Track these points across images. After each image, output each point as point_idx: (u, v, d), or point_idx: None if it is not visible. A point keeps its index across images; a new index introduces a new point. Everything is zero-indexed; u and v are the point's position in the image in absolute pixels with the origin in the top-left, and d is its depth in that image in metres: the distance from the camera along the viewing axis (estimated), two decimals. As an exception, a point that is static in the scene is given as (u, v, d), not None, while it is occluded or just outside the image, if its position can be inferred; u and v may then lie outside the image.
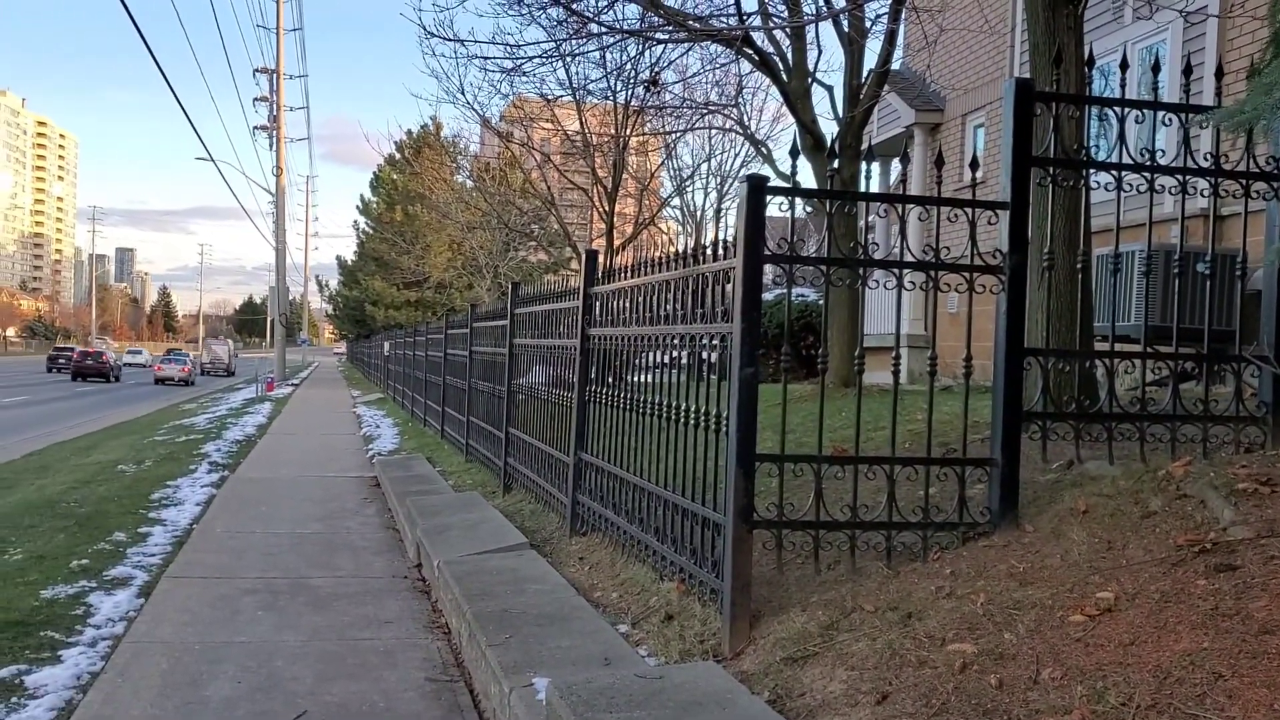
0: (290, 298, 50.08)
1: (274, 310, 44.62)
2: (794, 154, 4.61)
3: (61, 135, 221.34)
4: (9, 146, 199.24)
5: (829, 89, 12.28)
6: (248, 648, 5.66)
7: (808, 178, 13.63)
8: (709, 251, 4.83)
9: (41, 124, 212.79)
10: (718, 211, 25.18)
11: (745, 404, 4.33)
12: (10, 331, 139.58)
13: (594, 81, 14.00)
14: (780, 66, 11.57)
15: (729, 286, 4.59)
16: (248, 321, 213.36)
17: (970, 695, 3.34)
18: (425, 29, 11.09)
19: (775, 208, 4.56)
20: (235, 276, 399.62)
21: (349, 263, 62.43)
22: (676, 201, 24.34)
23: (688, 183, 23.44)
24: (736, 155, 23.95)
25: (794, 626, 4.25)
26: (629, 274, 6.18)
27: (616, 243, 16.44)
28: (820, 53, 11.71)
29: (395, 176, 48.69)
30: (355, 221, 59.91)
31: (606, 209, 15.30)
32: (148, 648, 5.59)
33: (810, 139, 11.50)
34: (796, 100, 11.36)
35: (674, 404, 5.35)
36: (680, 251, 5.23)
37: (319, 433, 19.61)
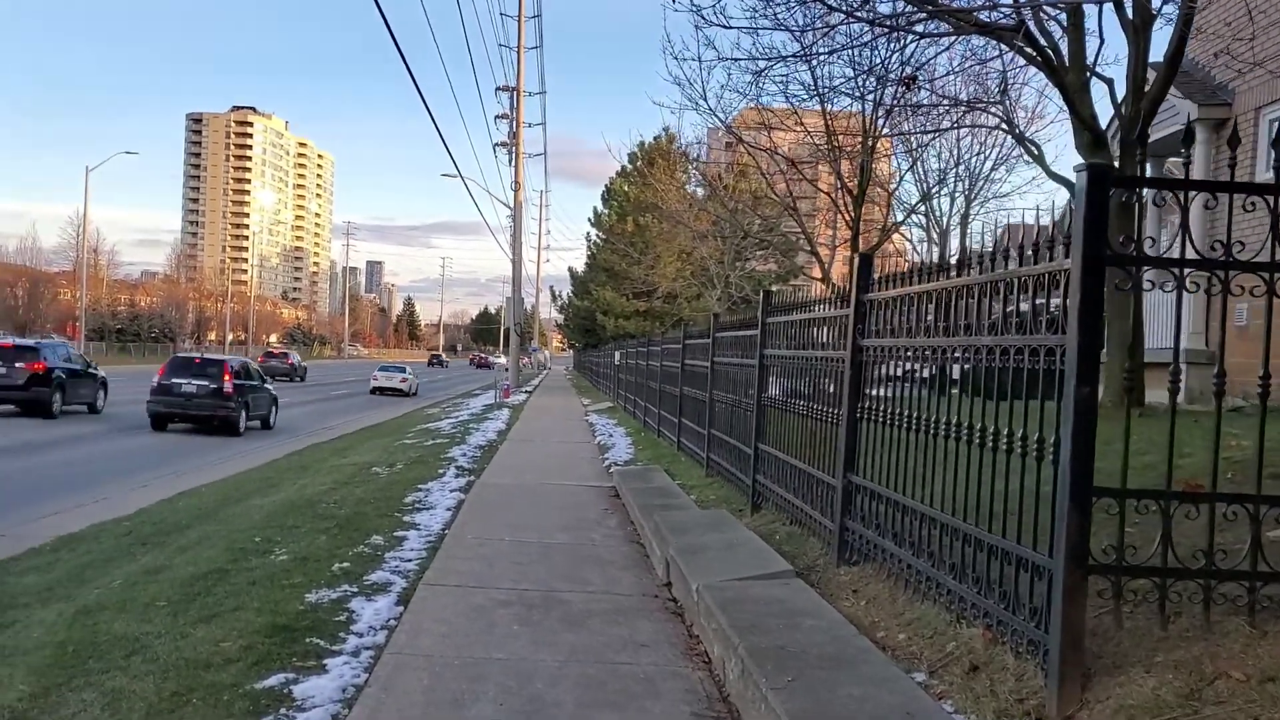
0: (523, 308, 51.66)
1: (509, 320, 46.12)
2: (1142, 140, 3.95)
3: (320, 156, 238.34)
4: (274, 166, 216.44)
5: (1109, 82, 11.24)
6: (506, 665, 5.46)
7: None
8: (1031, 252, 4.22)
9: (302, 145, 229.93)
10: (964, 217, 23.94)
11: (1082, 428, 3.72)
12: (273, 338, 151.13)
13: (842, 82, 13.44)
14: (1054, 59, 10.65)
15: (1055, 292, 3.98)
16: (483, 331, 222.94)
17: None
18: (701, 15, 10.72)
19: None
20: (471, 288, 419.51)
21: (580, 274, 63.91)
22: (920, 209, 23.35)
23: (939, 187, 22.34)
24: (986, 158, 22.70)
25: (1140, 691, 3.60)
26: (916, 279, 5.61)
27: (861, 249, 15.73)
28: (1103, 43, 10.70)
29: (626, 188, 49.36)
30: (587, 233, 61.36)
31: (852, 215, 14.66)
32: (409, 660, 5.47)
33: (1088, 136, 10.53)
34: (1074, 94, 10.41)
35: (980, 426, 4.73)
36: (990, 252, 4.62)
37: (555, 440, 19.83)
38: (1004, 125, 14.62)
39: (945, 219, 24.71)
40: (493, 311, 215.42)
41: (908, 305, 5.75)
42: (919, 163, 20.08)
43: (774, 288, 28.08)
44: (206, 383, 22.99)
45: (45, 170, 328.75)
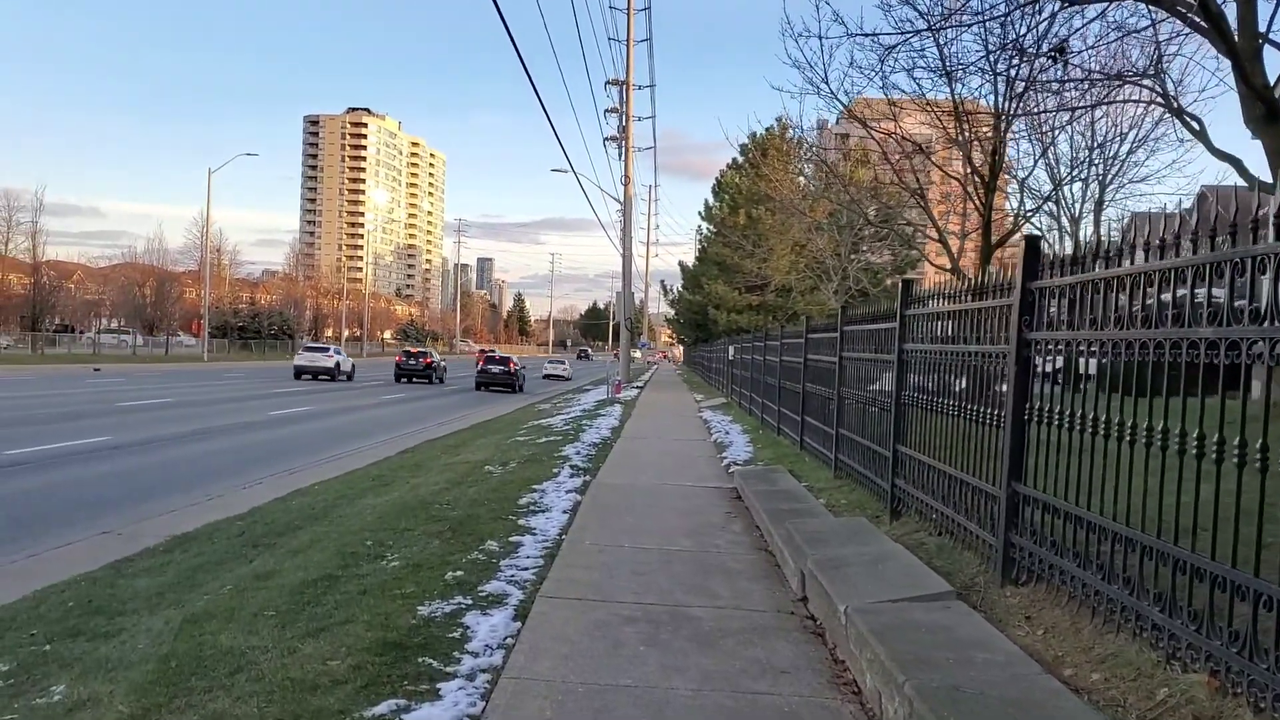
0: (633, 302, 51.35)
1: (619, 315, 45.85)
2: None
3: (432, 155, 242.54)
4: (387, 166, 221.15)
5: (1282, 47, 10.16)
6: (634, 694, 4.94)
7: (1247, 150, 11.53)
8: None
9: (415, 144, 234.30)
10: (1099, 204, 22.48)
11: (1356, 441, 3.00)
12: (387, 334, 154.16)
13: (978, 57, 12.54)
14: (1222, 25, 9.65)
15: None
16: (592, 326, 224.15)
17: None
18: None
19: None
20: (579, 284, 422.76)
21: (690, 267, 63.31)
22: (1051, 196, 21.89)
23: (1078, 169, 20.94)
24: (1124, 139, 21.25)
25: None
26: (1102, 263, 4.88)
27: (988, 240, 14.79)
28: (1279, 5, 9.58)
29: (738, 180, 48.48)
30: (698, 226, 60.70)
31: (981, 202, 13.75)
32: (528, 686, 4.99)
33: (1260, 108, 9.52)
34: (1246, 62, 9.41)
35: (1196, 434, 3.98)
36: (1211, 228, 3.88)
37: (670, 438, 19.32)
38: (1158, 100, 13.49)
39: (1077, 206, 23.28)
40: (601, 307, 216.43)
41: (1092, 292, 5.02)
42: (1050, 147, 18.81)
43: (896, 279, 27.02)
44: (504, 367, 47.18)
45: (171, 173, 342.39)
